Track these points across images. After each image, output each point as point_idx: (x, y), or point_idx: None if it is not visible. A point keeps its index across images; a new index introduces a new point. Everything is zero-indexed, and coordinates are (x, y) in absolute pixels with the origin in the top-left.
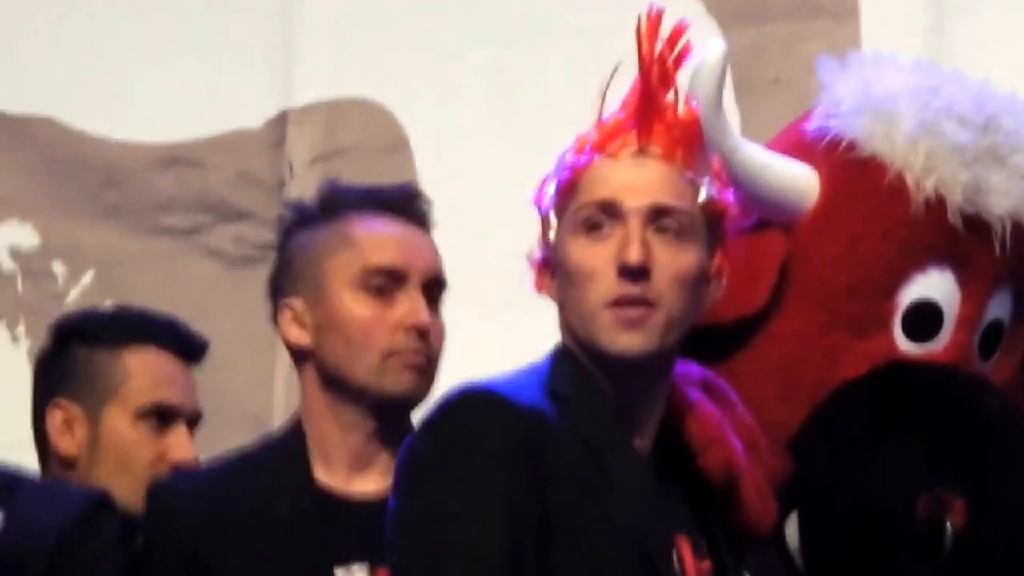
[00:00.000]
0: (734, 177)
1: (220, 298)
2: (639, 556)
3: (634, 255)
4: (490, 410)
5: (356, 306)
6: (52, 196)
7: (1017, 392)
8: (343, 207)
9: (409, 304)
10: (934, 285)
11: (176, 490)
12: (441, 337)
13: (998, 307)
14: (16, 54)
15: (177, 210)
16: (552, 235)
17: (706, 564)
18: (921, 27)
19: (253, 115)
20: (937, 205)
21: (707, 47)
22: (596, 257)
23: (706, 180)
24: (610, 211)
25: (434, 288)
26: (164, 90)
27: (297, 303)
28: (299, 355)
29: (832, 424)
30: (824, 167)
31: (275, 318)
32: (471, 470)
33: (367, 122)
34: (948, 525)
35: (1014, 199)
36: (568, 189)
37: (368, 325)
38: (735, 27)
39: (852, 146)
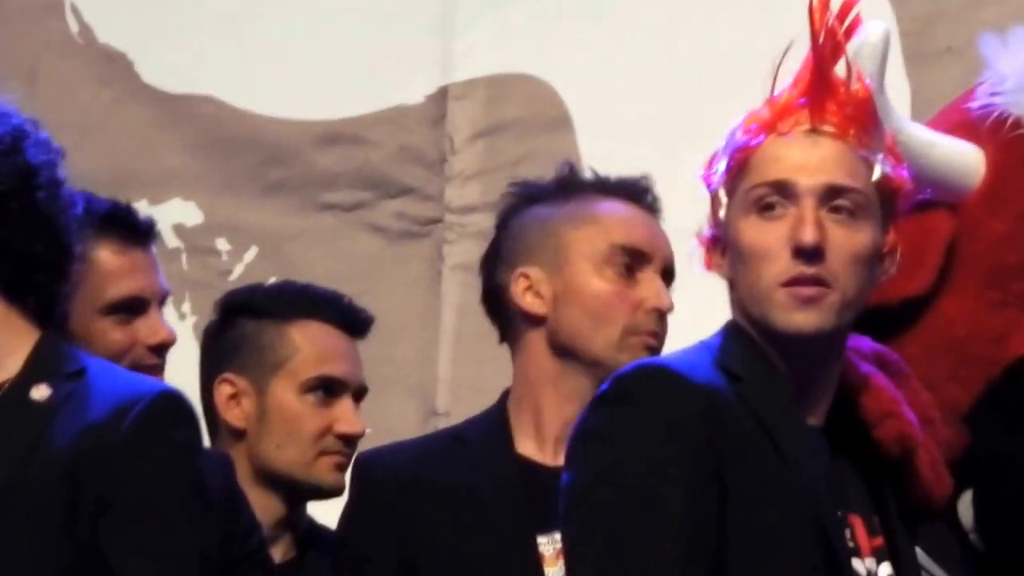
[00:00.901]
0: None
1: (383, 273)
2: (814, 531)
3: (808, 236)
4: (666, 384)
5: (601, 280)
6: (215, 174)
7: None
8: (581, 187)
9: (652, 286)
10: None
11: (384, 461)
12: None
13: None
14: (177, 33)
15: (339, 186)
16: (722, 213)
17: (878, 541)
18: None
19: (414, 91)
20: None
21: (869, 26)
22: (770, 237)
23: (880, 157)
24: (784, 191)
25: (667, 276)
26: (325, 67)
27: (534, 272)
28: (528, 322)
29: (1008, 401)
30: (990, 145)
31: (500, 287)
32: (649, 442)
33: (528, 97)
34: None
35: None
36: (739, 168)
37: (612, 300)
38: None
39: (1018, 123)
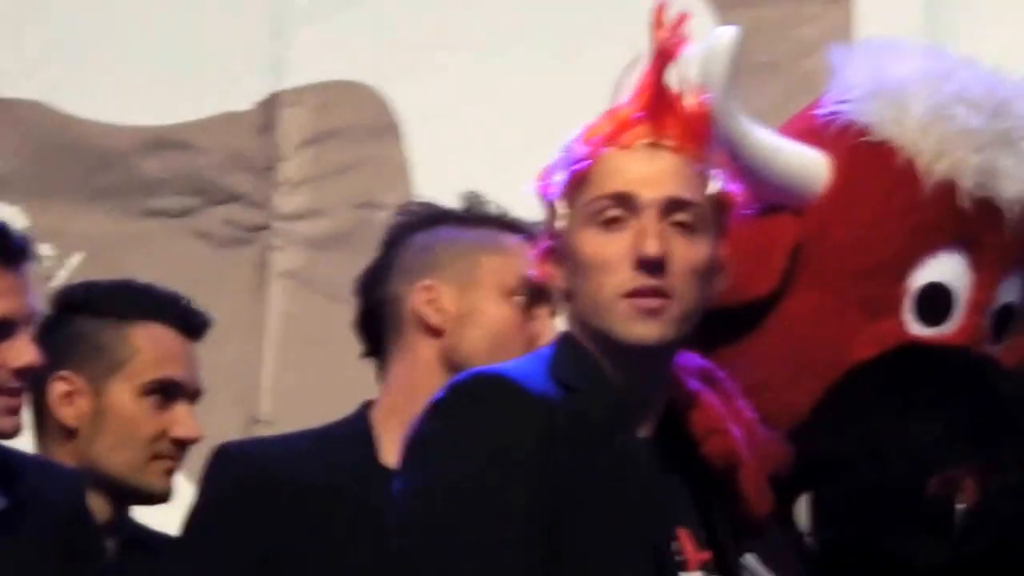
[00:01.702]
0: (745, 161)
1: (208, 280)
2: (644, 544)
3: (652, 248)
4: (501, 394)
5: (508, 309)
6: (41, 179)
7: None
8: (488, 218)
9: (547, 323)
10: (945, 268)
11: (250, 454)
12: None
13: (1010, 290)
14: (3, 38)
15: (166, 193)
16: (560, 224)
17: (706, 554)
18: (914, 8)
19: (243, 97)
20: (948, 189)
21: (718, 32)
22: (612, 248)
23: (715, 172)
24: (626, 203)
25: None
26: (154, 72)
27: (439, 286)
28: (423, 333)
29: (844, 405)
30: (836, 152)
31: (389, 299)
32: (482, 451)
33: (358, 104)
34: (958, 505)
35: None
36: (579, 180)
37: (513, 329)
38: (729, 11)
39: (864, 131)
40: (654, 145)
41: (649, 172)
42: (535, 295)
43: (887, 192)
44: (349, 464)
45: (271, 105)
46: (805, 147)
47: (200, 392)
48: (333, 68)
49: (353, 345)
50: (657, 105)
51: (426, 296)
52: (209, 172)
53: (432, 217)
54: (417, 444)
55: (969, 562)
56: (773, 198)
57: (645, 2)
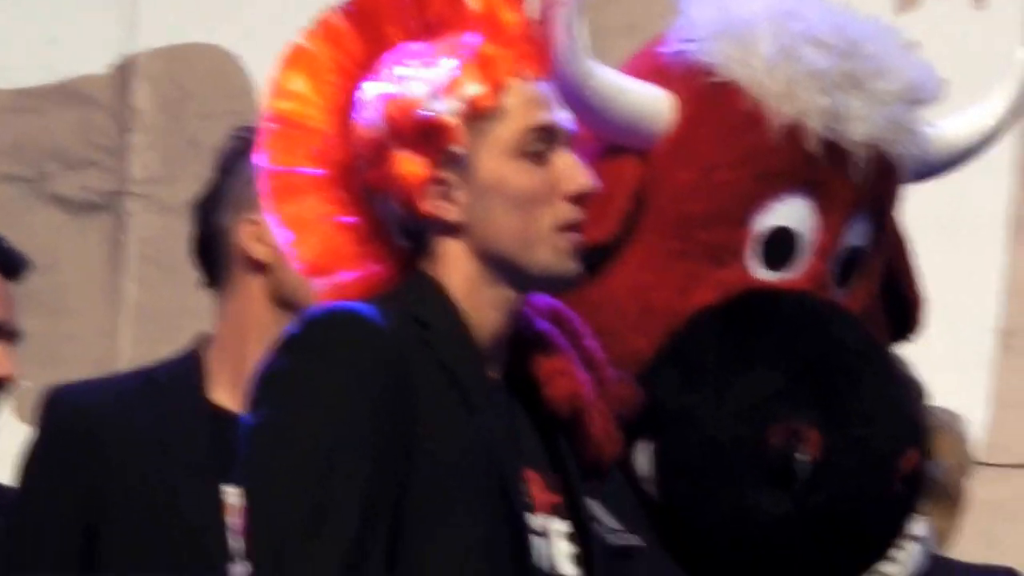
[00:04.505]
0: (587, 101)
1: (65, 245)
2: (494, 484)
3: (588, 180)
4: (355, 329)
5: None
6: None
7: (874, 320)
8: None
9: None
10: (790, 213)
11: (74, 397)
12: None
13: (856, 234)
14: None
15: (21, 157)
16: (458, 150)
17: (556, 497)
18: None
19: (97, 61)
20: (795, 131)
21: None
22: (542, 181)
23: None
24: (550, 136)
25: None
26: (5, 37)
27: (263, 221)
28: (248, 268)
29: (685, 352)
30: (680, 92)
31: (219, 230)
32: (336, 388)
33: (212, 67)
34: (801, 456)
35: (873, 125)
36: (488, 110)
37: None
38: None
39: (709, 71)
40: (539, 74)
41: (552, 102)
42: None
43: (732, 134)
44: (175, 404)
45: (124, 69)
46: (650, 87)
47: (16, 334)
48: (186, 30)
49: (210, 310)
50: (534, 32)
51: (251, 230)
52: (63, 137)
53: (247, 145)
54: (267, 380)
55: (811, 515)
56: (616, 139)
57: None
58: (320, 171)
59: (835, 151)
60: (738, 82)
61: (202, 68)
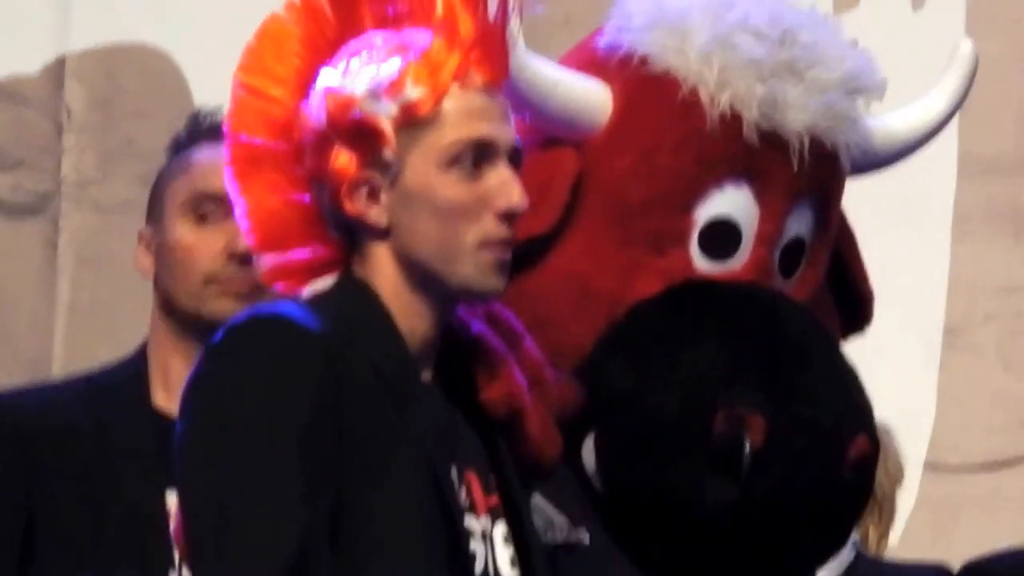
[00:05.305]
0: (523, 94)
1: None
2: (430, 487)
3: (521, 199)
4: (282, 333)
5: (181, 229)
6: None
7: (823, 311)
8: (195, 136)
9: (233, 227)
10: (731, 201)
11: (12, 403)
12: None
13: (798, 223)
14: None
15: None
16: (388, 154)
17: (494, 499)
18: None
19: (30, 60)
20: (732, 120)
21: None
22: (471, 195)
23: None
24: (483, 150)
25: None
26: None
27: (147, 231)
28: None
29: (626, 341)
30: (617, 83)
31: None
32: (263, 393)
33: (146, 67)
34: (746, 443)
35: (811, 114)
36: (421, 118)
37: (190, 248)
38: None
39: (645, 61)
40: (491, 84)
41: (497, 115)
42: (213, 202)
43: (669, 123)
44: (117, 409)
45: (58, 69)
46: (586, 78)
47: None
48: (121, 30)
49: (147, 311)
50: (489, 38)
51: (142, 244)
52: None
53: (170, 149)
54: (192, 390)
55: (759, 501)
56: (554, 131)
57: None
58: (279, 145)
59: (773, 140)
60: (674, 71)
61: (137, 68)
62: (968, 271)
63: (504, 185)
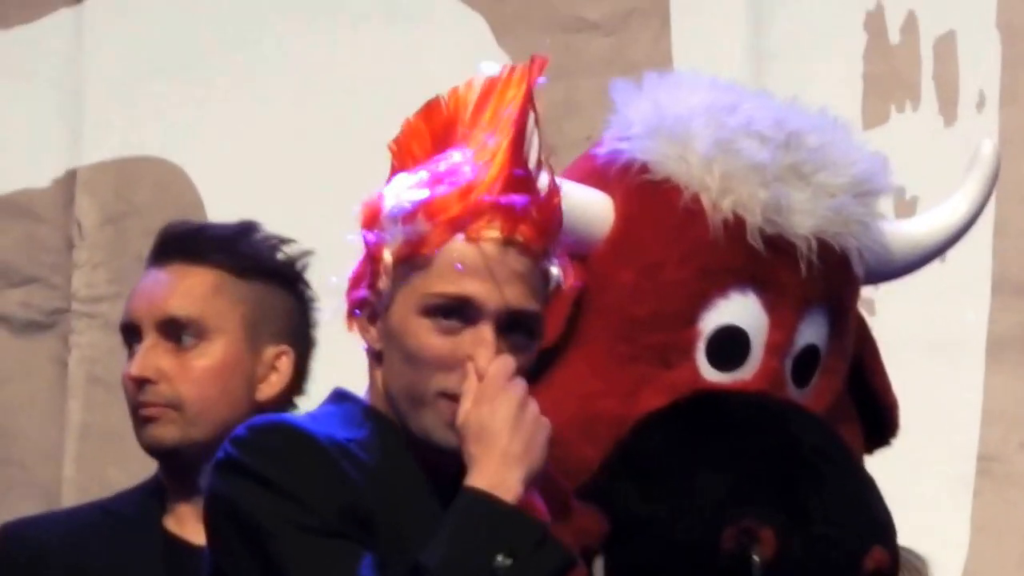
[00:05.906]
0: None
1: (8, 365)
2: None
3: (499, 364)
4: (283, 436)
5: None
6: None
7: (843, 421)
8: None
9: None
10: (738, 310)
11: (27, 532)
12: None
13: (811, 331)
14: None
15: None
16: (383, 284)
17: None
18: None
19: (41, 175)
20: (736, 227)
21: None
22: (443, 347)
23: (557, 261)
24: (465, 309)
25: (169, 330)
26: None
27: None
28: None
29: (633, 460)
30: (618, 192)
31: None
32: (280, 505)
33: (159, 181)
34: (756, 557)
35: (818, 218)
36: (418, 258)
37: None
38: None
39: (645, 169)
40: (507, 242)
41: (496, 275)
42: (129, 333)
43: (672, 234)
44: (129, 537)
45: (69, 182)
46: (588, 189)
47: None
48: (133, 144)
49: None
50: (514, 194)
51: None
52: (5, 253)
53: None
54: (212, 511)
55: None
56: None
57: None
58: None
59: (780, 246)
60: (676, 179)
61: (149, 182)
62: (1003, 398)
63: (477, 346)
